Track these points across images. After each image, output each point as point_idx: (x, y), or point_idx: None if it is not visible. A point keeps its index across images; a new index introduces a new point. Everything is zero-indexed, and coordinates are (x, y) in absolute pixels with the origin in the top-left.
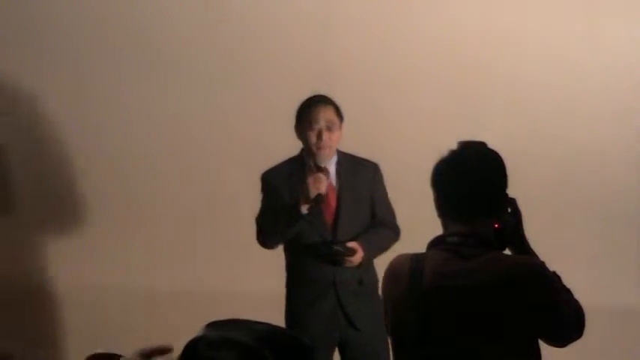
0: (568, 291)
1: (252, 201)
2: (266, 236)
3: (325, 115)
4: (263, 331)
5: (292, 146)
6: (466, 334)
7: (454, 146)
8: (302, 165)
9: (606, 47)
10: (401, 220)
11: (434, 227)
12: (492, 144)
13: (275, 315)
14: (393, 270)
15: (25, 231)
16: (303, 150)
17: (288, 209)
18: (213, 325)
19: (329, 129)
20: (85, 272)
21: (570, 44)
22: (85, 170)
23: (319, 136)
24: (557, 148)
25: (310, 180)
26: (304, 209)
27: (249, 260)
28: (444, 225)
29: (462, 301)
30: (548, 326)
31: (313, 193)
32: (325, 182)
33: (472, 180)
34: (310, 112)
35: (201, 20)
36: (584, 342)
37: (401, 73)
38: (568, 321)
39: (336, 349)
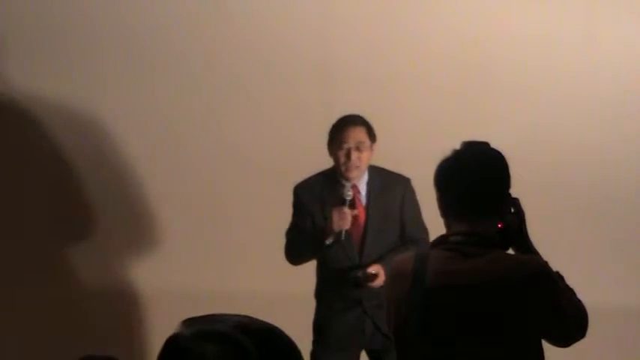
0: (571, 291)
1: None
2: (292, 256)
3: (355, 135)
4: (241, 322)
5: (291, 146)
6: (468, 333)
7: (457, 146)
8: (334, 179)
9: (607, 47)
10: None
11: (437, 227)
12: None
13: (278, 315)
14: (396, 270)
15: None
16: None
17: (313, 237)
18: (190, 321)
19: (358, 149)
20: (89, 272)
21: (569, 45)
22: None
23: (348, 155)
24: (557, 147)
25: (335, 215)
26: (329, 240)
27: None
28: (447, 225)
29: (464, 301)
30: (551, 326)
31: (337, 229)
32: (350, 218)
33: (475, 179)
34: (341, 131)
35: (200, 22)
36: (585, 342)
37: (400, 74)
38: (571, 321)
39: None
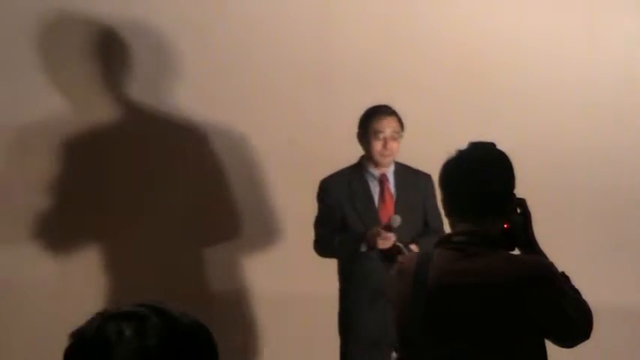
0: (576, 292)
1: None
2: (323, 253)
3: (391, 124)
4: (147, 304)
5: (292, 144)
6: (469, 333)
7: (462, 146)
8: (361, 172)
9: (606, 45)
10: None
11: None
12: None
13: (282, 314)
14: (400, 268)
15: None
16: (362, 157)
17: (349, 241)
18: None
19: (393, 138)
20: (90, 272)
21: (570, 46)
22: (87, 171)
23: (385, 145)
24: (557, 147)
25: (380, 240)
26: (364, 248)
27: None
28: (451, 224)
29: (466, 300)
30: (553, 327)
31: (378, 247)
32: (392, 241)
33: (478, 179)
34: (377, 121)
35: (201, 23)
36: (585, 342)
37: (401, 76)
38: (575, 322)
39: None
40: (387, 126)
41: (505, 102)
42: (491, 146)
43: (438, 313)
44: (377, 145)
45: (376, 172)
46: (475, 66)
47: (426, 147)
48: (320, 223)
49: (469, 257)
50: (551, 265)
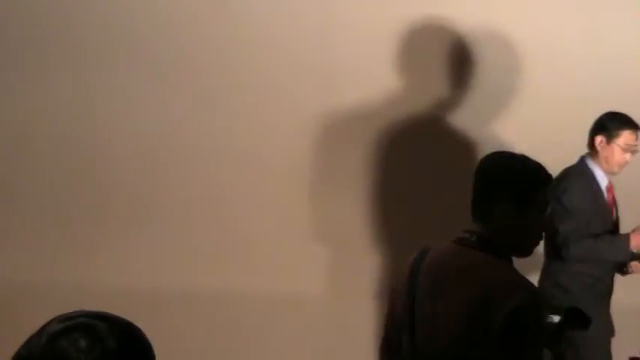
0: (539, 345)
1: (249, 202)
2: (592, 261)
3: (637, 139)
4: (75, 315)
5: (292, 145)
6: (445, 330)
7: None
8: (593, 176)
9: (608, 47)
10: (407, 219)
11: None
12: (490, 143)
13: (278, 315)
14: (406, 261)
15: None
16: (587, 159)
17: (617, 248)
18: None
19: (633, 153)
20: (90, 273)
21: (570, 46)
22: (88, 171)
23: (629, 157)
24: (557, 146)
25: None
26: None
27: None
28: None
29: (441, 296)
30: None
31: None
32: None
33: (489, 184)
34: (630, 133)
35: (201, 23)
36: None
37: (401, 77)
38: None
39: None
40: (636, 141)
41: (505, 102)
42: (520, 156)
43: (420, 306)
44: (623, 158)
45: (604, 180)
46: (476, 67)
47: (427, 147)
48: (576, 235)
49: (460, 256)
50: (532, 297)
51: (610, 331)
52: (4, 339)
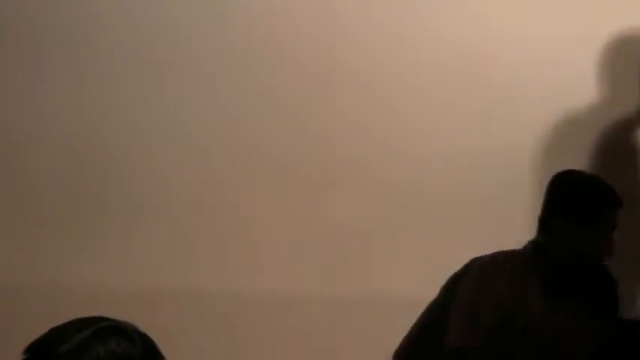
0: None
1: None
2: None
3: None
4: (101, 317)
5: (293, 146)
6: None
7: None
8: None
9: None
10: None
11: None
12: (491, 142)
13: (277, 316)
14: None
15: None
16: None
17: None
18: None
19: None
20: (85, 271)
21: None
22: (89, 171)
23: None
24: (559, 148)
25: None
26: None
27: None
28: None
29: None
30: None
31: None
32: None
33: (548, 200)
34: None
35: (203, 17)
36: None
37: (401, 77)
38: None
39: None
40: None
41: (506, 104)
42: (583, 175)
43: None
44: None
45: None
46: (476, 69)
47: (427, 147)
48: None
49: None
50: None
51: None
52: (4, 339)
